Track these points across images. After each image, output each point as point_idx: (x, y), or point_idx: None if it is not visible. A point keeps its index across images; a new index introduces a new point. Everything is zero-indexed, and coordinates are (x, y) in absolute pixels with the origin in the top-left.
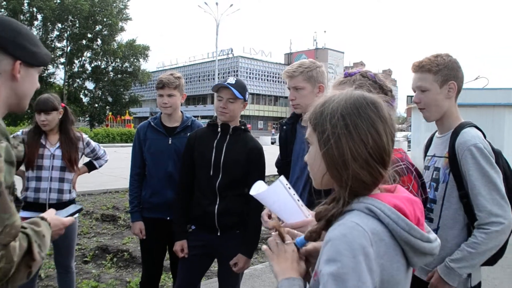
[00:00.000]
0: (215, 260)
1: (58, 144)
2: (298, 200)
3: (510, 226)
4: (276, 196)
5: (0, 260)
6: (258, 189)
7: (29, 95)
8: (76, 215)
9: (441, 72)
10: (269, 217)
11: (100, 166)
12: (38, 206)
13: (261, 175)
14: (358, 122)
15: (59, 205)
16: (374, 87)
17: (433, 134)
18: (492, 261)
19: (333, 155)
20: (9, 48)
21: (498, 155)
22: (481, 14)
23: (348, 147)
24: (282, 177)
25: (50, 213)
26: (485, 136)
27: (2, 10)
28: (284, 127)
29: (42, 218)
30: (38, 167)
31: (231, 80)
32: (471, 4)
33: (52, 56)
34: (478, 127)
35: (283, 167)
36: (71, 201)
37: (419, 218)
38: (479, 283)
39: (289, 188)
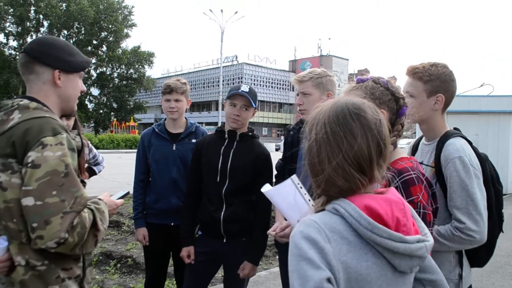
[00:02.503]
0: (221, 266)
1: None
2: (310, 200)
3: (480, 242)
4: (287, 194)
5: (77, 226)
6: (268, 187)
7: (74, 97)
8: (125, 198)
9: (432, 82)
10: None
11: (99, 172)
12: None
13: (268, 182)
14: (336, 129)
15: None
16: (386, 94)
17: (419, 140)
18: (482, 262)
19: (314, 162)
20: (45, 60)
21: (484, 160)
22: (483, 13)
23: (326, 153)
24: (294, 176)
25: (105, 196)
26: (471, 143)
27: (10, 16)
28: (291, 132)
29: (100, 199)
30: None
31: (245, 88)
32: (474, 3)
33: None
34: (464, 136)
35: (285, 171)
36: None
37: (399, 218)
38: (470, 286)
39: (301, 187)
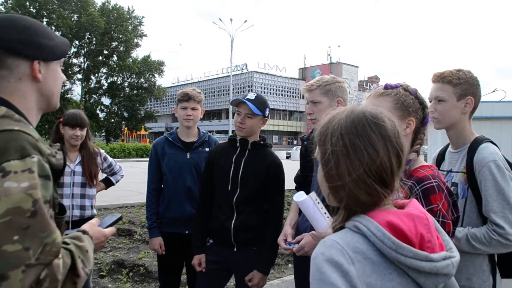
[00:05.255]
0: (232, 275)
1: (78, 160)
2: (325, 213)
3: None
4: (307, 208)
5: (45, 280)
6: (300, 197)
7: (57, 91)
8: (116, 224)
9: (461, 86)
10: (285, 241)
11: (116, 182)
12: None
13: (280, 191)
14: (355, 141)
15: (82, 222)
16: (416, 102)
17: (444, 149)
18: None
19: (332, 175)
20: (20, 50)
21: None
22: (493, 18)
23: (346, 166)
24: (313, 193)
25: (92, 225)
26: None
27: None
28: (305, 142)
29: (84, 232)
30: (59, 185)
31: (251, 95)
32: (490, 16)
33: (69, 72)
34: (494, 142)
35: (303, 183)
36: (92, 217)
37: (423, 235)
38: None
39: (318, 202)
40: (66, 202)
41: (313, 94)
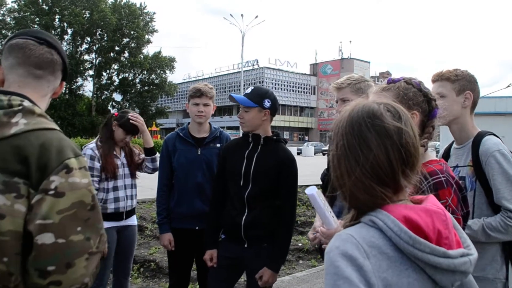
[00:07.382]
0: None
1: (123, 153)
2: (330, 212)
3: None
4: (315, 202)
5: (97, 267)
6: (310, 191)
7: None
8: None
9: (459, 81)
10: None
11: (153, 163)
12: (116, 216)
13: (292, 187)
14: (352, 142)
15: (132, 212)
16: (419, 95)
17: (449, 146)
18: None
19: (337, 175)
20: (65, 67)
21: None
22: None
23: (345, 167)
24: (319, 191)
25: None
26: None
27: (35, 26)
28: None
29: None
30: (115, 177)
31: (249, 89)
32: (497, 12)
33: (81, 68)
34: (496, 135)
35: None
36: (134, 208)
37: (440, 231)
38: None
39: (323, 201)
40: (121, 193)
41: (343, 92)
